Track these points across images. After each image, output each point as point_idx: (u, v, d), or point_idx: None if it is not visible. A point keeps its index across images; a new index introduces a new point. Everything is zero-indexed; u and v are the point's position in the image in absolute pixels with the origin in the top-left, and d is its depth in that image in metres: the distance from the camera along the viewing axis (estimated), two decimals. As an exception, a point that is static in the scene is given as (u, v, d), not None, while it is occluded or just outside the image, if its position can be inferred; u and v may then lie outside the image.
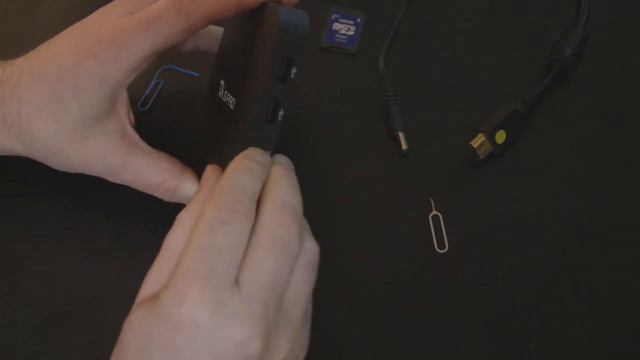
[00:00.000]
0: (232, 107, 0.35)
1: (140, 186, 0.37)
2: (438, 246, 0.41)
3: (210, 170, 0.35)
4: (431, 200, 0.42)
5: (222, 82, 0.37)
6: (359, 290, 0.39)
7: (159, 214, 0.41)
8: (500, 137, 0.43)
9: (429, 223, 0.41)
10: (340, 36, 0.49)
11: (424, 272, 0.40)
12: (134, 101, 0.44)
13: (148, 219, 0.41)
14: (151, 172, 0.37)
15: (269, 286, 0.28)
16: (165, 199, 0.38)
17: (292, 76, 0.34)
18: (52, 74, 0.35)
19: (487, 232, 0.41)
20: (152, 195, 0.41)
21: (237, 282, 0.28)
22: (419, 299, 0.39)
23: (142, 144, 0.37)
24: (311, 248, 0.31)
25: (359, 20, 0.49)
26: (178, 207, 0.41)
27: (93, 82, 0.34)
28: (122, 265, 0.40)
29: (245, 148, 0.33)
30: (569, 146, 0.44)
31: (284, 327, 0.29)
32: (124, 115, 0.37)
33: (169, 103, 0.46)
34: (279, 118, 0.34)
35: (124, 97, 0.36)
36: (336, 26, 0.49)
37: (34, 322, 0.38)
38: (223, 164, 0.34)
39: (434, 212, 0.41)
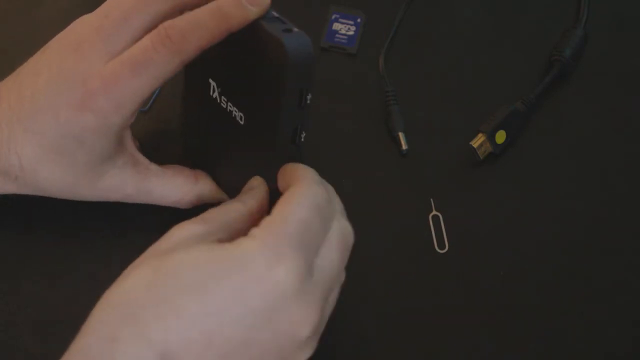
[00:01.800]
0: (242, 123, 0.36)
1: (161, 204, 0.38)
2: (438, 246, 0.41)
3: (257, 179, 0.35)
4: (431, 200, 0.42)
5: (212, 82, 0.37)
6: (359, 290, 0.39)
7: (160, 215, 0.41)
8: (500, 137, 0.43)
9: (429, 223, 0.41)
10: (340, 36, 0.49)
11: (424, 272, 0.40)
12: (134, 101, 0.44)
13: (149, 220, 0.41)
14: (168, 192, 0.37)
15: (332, 280, 0.30)
16: (190, 207, 0.38)
17: (308, 102, 0.34)
18: (49, 129, 0.33)
19: (487, 232, 0.41)
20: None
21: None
22: (419, 299, 0.39)
23: (153, 166, 0.38)
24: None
25: (359, 20, 0.49)
26: (180, 210, 0.41)
27: (96, 133, 0.33)
28: (122, 265, 0.40)
29: (273, 171, 0.35)
30: (569, 146, 0.44)
31: (322, 326, 0.30)
32: (131, 146, 0.37)
33: (169, 103, 0.46)
34: (302, 140, 0.35)
35: (128, 132, 0.37)
36: (336, 26, 0.49)
37: (34, 322, 0.38)
38: (240, 176, 0.36)
39: (434, 212, 0.41)
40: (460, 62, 0.48)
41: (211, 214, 0.32)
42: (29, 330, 0.38)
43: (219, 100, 0.37)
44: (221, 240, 0.30)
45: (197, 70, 0.38)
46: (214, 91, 0.37)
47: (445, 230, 0.41)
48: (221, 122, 0.37)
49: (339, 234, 0.31)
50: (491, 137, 0.42)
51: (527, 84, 0.46)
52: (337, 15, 0.49)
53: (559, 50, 0.46)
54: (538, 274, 0.40)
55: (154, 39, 0.31)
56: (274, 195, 0.35)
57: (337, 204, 0.33)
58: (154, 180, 0.37)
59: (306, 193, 0.30)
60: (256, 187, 0.35)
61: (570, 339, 0.38)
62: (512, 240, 0.41)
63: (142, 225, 0.41)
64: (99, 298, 0.39)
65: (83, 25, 0.34)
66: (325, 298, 0.29)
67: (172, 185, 0.38)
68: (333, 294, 0.31)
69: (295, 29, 0.33)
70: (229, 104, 0.36)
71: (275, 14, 0.34)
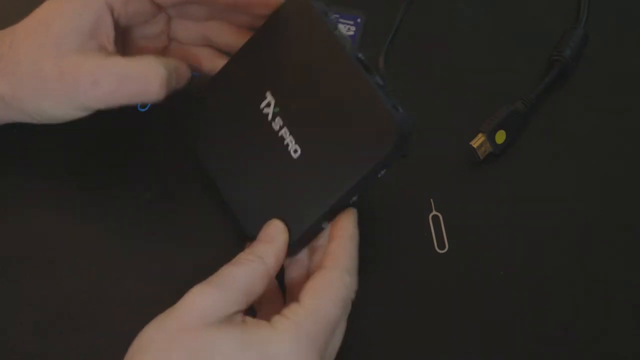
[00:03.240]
0: (294, 157, 0.35)
1: (129, 86, 0.36)
2: (438, 246, 0.41)
3: (279, 226, 0.35)
4: (431, 200, 0.42)
5: (269, 95, 0.36)
6: (359, 290, 0.39)
7: (158, 215, 0.41)
8: (500, 137, 0.43)
9: (429, 223, 0.41)
10: (340, 36, 0.48)
11: (424, 272, 0.40)
12: (134, 101, 0.44)
13: (147, 220, 0.41)
14: (130, 64, 0.36)
15: (336, 348, 0.34)
16: (160, 91, 0.36)
17: (379, 176, 0.35)
18: (45, 6, 0.37)
19: (487, 232, 0.41)
20: (151, 197, 0.41)
21: None
22: (419, 299, 0.39)
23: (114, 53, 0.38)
24: None
25: (359, 20, 0.49)
26: (178, 210, 0.41)
27: (78, 3, 0.36)
28: (122, 265, 0.40)
29: (308, 221, 0.35)
30: (569, 146, 0.44)
31: None
32: (106, 40, 0.37)
33: (169, 103, 0.46)
34: (351, 202, 0.36)
35: (108, 22, 0.37)
36: (336, 26, 0.49)
37: (34, 322, 0.38)
38: (267, 206, 0.36)
39: (434, 212, 0.41)
40: (460, 62, 0.48)
41: (229, 277, 0.32)
42: (29, 330, 0.38)
43: (270, 118, 0.36)
44: (241, 309, 0.32)
45: (254, 73, 0.37)
46: (267, 106, 0.36)
47: (445, 230, 0.41)
48: (266, 142, 0.36)
49: (346, 316, 0.34)
50: (491, 137, 0.42)
51: (527, 84, 0.46)
52: (337, 15, 0.49)
53: (559, 50, 0.46)
54: (538, 274, 0.40)
55: None
56: (298, 240, 0.35)
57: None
58: (115, 57, 0.36)
59: (337, 287, 0.33)
60: (278, 239, 0.35)
61: (569, 339, 0.38)
62: (512, 240, 0.41)
63: (142, 226, 0.41)
64: (98, 298, 0.39)
65: None
66: None
67: (133, 59, 0.36)
68: None
69: (401, 109, 0.33)
70: (286, 130, 0.35)
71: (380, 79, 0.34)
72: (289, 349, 0.30)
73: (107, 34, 0.37)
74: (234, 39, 0.41)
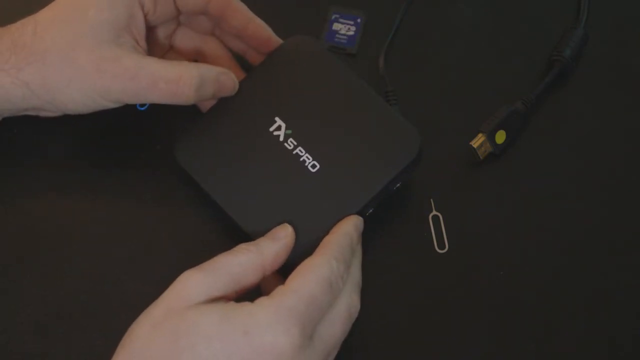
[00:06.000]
0: (312, 171, 0.37)
1: (161, 86, 0.36)
2: (438, 246, 0.41)
3: (287, 228, 0.36)
4: (431, 200, 0.42)
5: (278, 120, 0.38)
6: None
7: (158, 215, 0.41)
8: (500, 137, 0.43)
9: (429, 223, 0.41)
10: (341, 36, 0.49)
11: (424, 272, 0.40)
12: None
13: (147, 222, 0.41)
14: (166, 67, 0.36)
15: (330, 347, 0.32)
16: (192, 94, 0.37)
17: (395, 188, 0.37)
18: None
19: (487, 232, 0.41)
20: (151, 198, 0.41)
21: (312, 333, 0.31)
22: (419, 299, 0.39)
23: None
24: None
25: (359, 20, 0.49)
26: (177, 210, 0.41)
27: None
28: (123, 265, 0.40)
29: (321, 227, 0.36)
30: (569, 146, 0.44)
31: None
32: (138, 36, 0.37)
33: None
34: (367, 215, 0.37)
35: (140, 17, 0.37)
36: (336, 26, 0.49)
37: (34, 322, 0.38)
38: (281, 217, 0.36)
39: (434, 212, 0.41)
40: (460, 62, 0.48)
41: (219, 263, 0.32)
42: (29, 330, 0.38)
43: (281, 139, 0.37)
44: (227, 295, 0.32)
45: (261, 101, 0.39)
46: (277, 129, 0.38)
47: (445, 230, 0.41)
48: (280, 159, 0.37)
49: (346, 309, 0.33)
50: (491, 137, 0.42)
51: (527, 84, 0.46)
52: (337, 15, 0.49)
53: (559, 50, 0.46)
54: (538, 274, 0.40)
55: None
56: (304, 251, 0.35)
57: (354, 279, 0.35)
58: (152, 59, 0.36)
59: (321, 269, 0.32)
60: (282, 239, 0.35)
61: (570, 338, 0.38)
62: (512, 240, 0.41)
63: (142, 226, 0.41)
64: (98, 298, 0.39)
65: None
66: None
67: (169, 62, 0.36)
68: (330, 358, 0.33)
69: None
70: (301, 149, 0.37)
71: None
72: (269, 321, 0.30)
73: (139, 30, 0.37)
74: (223, 61, 0.43)
